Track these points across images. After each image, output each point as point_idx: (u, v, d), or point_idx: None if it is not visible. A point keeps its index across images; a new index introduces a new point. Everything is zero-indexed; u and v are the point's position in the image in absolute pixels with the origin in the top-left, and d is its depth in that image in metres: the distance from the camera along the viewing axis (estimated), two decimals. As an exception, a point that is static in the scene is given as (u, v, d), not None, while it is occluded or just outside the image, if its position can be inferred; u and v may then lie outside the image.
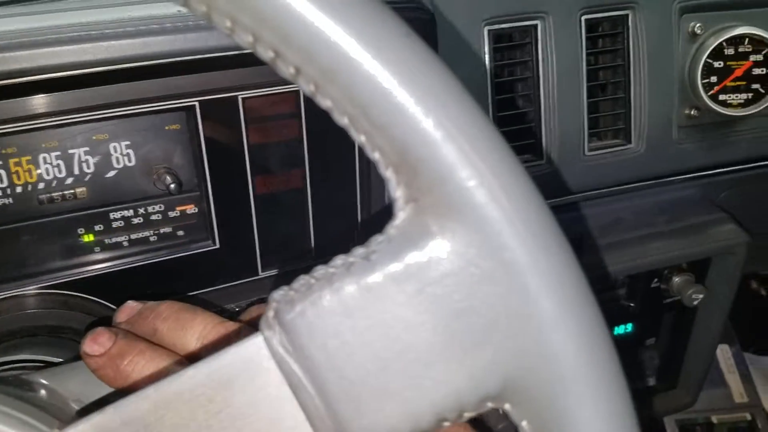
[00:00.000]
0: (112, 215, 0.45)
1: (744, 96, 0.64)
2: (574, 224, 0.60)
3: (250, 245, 0.48)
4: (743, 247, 0.63)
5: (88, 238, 0.45)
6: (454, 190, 0.22)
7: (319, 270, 0.23)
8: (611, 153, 0.63)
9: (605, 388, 0.22)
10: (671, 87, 0.63)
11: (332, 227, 0.51)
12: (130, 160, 0.46)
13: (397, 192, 0.23)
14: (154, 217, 0.46)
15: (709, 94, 0.62)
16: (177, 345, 0.32)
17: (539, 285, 0.22)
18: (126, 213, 0.46)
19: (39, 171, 0.44)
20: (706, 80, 0.62)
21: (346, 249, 0.23)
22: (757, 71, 0.63)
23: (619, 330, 0.68)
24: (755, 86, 0.63)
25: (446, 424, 0.23)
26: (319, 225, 0.50)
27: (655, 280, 0.65)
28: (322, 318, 0.22)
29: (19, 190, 0.43)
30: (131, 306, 0.36)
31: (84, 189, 0.45)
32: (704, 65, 0.62)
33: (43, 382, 0.35)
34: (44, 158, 0.44)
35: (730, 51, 0.62)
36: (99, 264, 0.46)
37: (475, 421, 0.27)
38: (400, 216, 0.23)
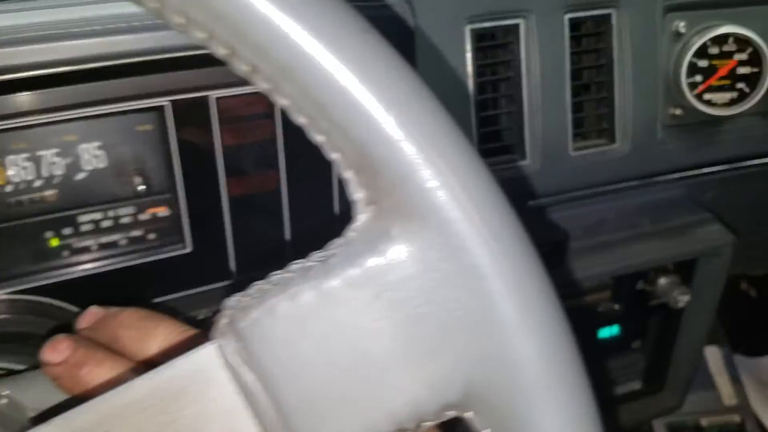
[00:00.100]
0: (81, 218, 0.44)
1: (729, 95, 0.63)
2: (558, 225, 0.59)
3: (224, 249, 0.47)
4: (729, 248, 0.63)
5: (56, 242, 0.44)
6: (414, 191, 0.21)
7: (275, 275, 0.22)
8: (596, 153, 0.62)
9: (569, 396, 0.21)
10: (655, 86, 0.62)
11: (309, 230, 0.50)
12: (100, 162, 0.45)
13: (357, 194, 0.22)
14: (124, 220, 0.45)
15: (694, 93, 0.62)
16: (138, 354, 0.31)
17: (501, 289, 0.21)
18: (96, 216, 0.45)
19: (7, 174, 0.43)
20: (691, 79, 0.61)
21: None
22: (741, 70, 0.63)
23: (605, 332, 0.67)
24: (740, 85, 0.63)
25: None
26: (296, 228, 0.49)
27: (641, 281, 0.64)
28: (278, 325, 0.21)
29: (-15, 193, 0.42)
30: (93, 312, 0.35)
31: (53, 192, 0.44)
32: (688, 64, 0.61)
33: (4, 392, 0.34)
34: (12, 160, 0.43)
35: (714, 50, 0.62)
36: (67, 268, 0.45)
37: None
38: (360, 219, 0.22)
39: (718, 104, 0.63)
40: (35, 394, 0.33)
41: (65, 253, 0.45)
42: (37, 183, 0.43)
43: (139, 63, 0.42)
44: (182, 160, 0.44)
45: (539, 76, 0.59)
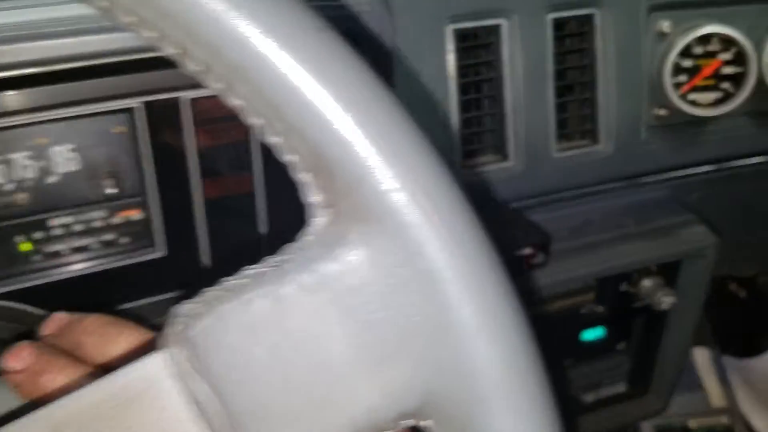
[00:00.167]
0: (52, 222, 0.44)
1: (713, 95, 0.63)
2: (542, 226, 0.58)
3: (199, 252, 0.47)
4: (713, 249, 0.62)
5: (26, 246, 0.43)
6: (370, 194, 0.20)
7: (228, 281, 0.21)
8: (579, 154, 0.61)
9: (529, 405, 0.21)
10: (639, 87, 0.62)
11: (286, 233, 0.49)
12: (73, 165, 0.44)
13: (313, 197, 0.22)
14: (97, 224, 0.44)
15: (678, 93, 0.61)
16: (100, 361, 0.30)
17: (460, 295, 0.20)
18: (67, 220, 0.44)
19: (-23, 177, 0.42)
20: (675, 80, 0.61)
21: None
22: (726, 70, 0.62)
23: (590, 334, 0.67)
24: (725, 86, 0.62)
25: None
26: (272, 230, 0.49)
27: (625, 283, 0.64)
28: (230, 333, 0.20)
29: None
30: (57, 318, 0.34)
31: (24, 195, 0.43)
32: (673, 64, 0.61)
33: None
34: (-18, 163, 0.42)
35: (699, 50, 0.61)
36: (38, 273, 0.44)
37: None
38: (316, 222, 0.21)
39: (702, 104, 0.62)
40: (-2, 402, 0.33)
41: (36, 257, 0.44)
42: (8, 187, 0.43)
43: (110, 64, 0.42)
44: (155, 162, 0.44)
45: (522, 76, 0.59)
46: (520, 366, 0.21)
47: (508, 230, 0.57)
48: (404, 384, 0.21)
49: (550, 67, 0.59)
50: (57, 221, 0.44)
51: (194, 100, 0.44)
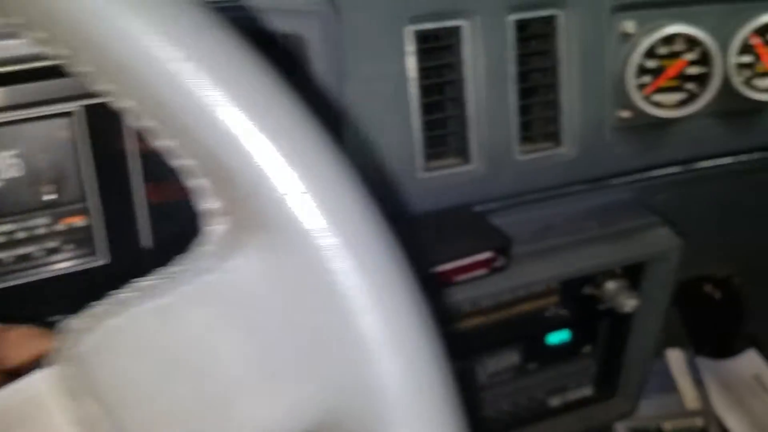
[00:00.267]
0: (-8, 229, 0.42)
1: (678, 96, 0.62)
2: (505, 230, 0.58)
3: (144, 259, 0.46)
4: (677, 252, 0.62)
5: (-36, 254, 0.42)
6: (267, 201, 0.19)
7: (117, 294, 0.20)
8: (543, 157, 0.61)
9: (435, 424, 0.20)
10: (603, 88, 0.61)
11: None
12: (14, 171, 0.43)
13: (210, 204, 0.21)
14: (39, 231, 0.43)
15: (642, 95, 0.61)
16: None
17: (362, 308, 0.19)
18: (8, 227, 0.43)
19: None
20: (639, 81, 0.61)
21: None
22: (691, 71, 0.62)
23: (555, 338, 0.66)
24: (689, 86, 0.62)
25: None
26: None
27: (588, 286, 0.63)
28: (118, 349, 0.20)
29: None
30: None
31: (-36, 202, 0.42)
32: (637, 65, 0.60)
33: None
34: None
35: (663, 50, 0.61)
36: (-22, 282, 0.43)
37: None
38: (212, 231, 0.20)
39: (666, 106, 0.62)
40: None
41: (-24, 266, 0.43)
42: (-53, 193, 0.42)
43: (50, 67, 0.41)
44: (98, 166, 0.43)
45: (484, 78, 0.58)
46: (426, 384, 0.20)
47: (469, 234, 0.56)
48: (303, 401, 0.20)
49: (512, 68, 0.58)
50: (-2, 228, 0.43)
51: (138, 104, 0.43)
